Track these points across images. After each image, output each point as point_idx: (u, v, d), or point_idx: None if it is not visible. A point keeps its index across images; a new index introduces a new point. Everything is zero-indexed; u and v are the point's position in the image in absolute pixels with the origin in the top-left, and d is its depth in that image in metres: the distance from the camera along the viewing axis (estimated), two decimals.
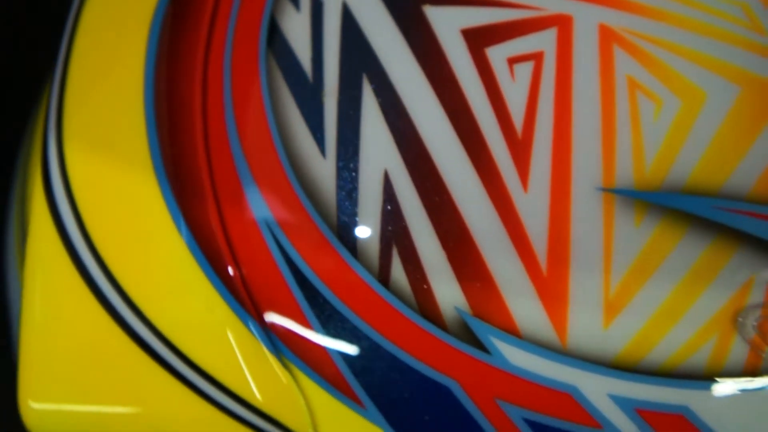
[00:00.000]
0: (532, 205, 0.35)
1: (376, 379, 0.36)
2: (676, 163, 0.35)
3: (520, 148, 0.36)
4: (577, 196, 0.35)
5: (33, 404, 0.37)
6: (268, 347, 0.37)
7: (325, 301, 0.36)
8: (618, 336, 0.35)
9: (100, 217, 0.38)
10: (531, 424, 0.35)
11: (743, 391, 0.36)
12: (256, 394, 0.37)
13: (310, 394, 0.37)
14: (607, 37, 0.36)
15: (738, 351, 0.35)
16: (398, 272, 0.36)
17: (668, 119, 0.36)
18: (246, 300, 0.37)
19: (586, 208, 0.35)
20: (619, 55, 0.36)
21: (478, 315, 0.35)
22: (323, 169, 0.37)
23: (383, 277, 0.36)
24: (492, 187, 0.35)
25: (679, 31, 0.37)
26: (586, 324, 0.35)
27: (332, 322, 0.36)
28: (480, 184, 0.36)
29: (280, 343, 0.37)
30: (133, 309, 0.37)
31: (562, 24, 0.36)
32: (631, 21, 0.36)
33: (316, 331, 0.36)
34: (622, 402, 0.35)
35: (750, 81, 0.36)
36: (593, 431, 0.35)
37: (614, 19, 0.36)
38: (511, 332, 0.35)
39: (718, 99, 0.36)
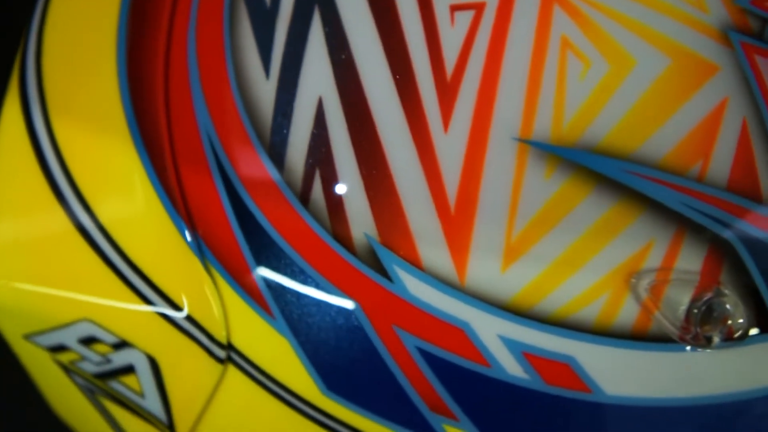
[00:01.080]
0: (450, 146, 0.36)
1: (285, 292, 0.38)
2: (594, 124, 0.36)
3: (448, 91, 0.37)
4: (494, 142, 0.36)
5: None
6: (194, 251, 0.39)
7: (250, 214, 0.38)
8: (514, 280, 0.36)
9: (65, 112, 0.40)
10: (423, 353, 0.37)
11: (629, 349, 0.36)
12: (181, 296, 0.39)
13: (227, 300, 0.39)
14: None
15: (629, 311, 0.36)
16: (318, 194, 0.38)
17: (594, 81, 0.37)
18: (180, 204, 0.39)
19: (500, 155, 0.36)
20: (558, 15, 0.37)
21: (385, 243, 0.37)
22: (265, 89, 0.38)
23: (304, 197, 0.38)
24: (415, 124, 0.37)
25: None
26: (485, 265, 0.36)
27: (254, 235, 0.38)
28: (404, 120, 0.37)
29: (206, 248, 0.39)
30: (80, 198, 0.39)
31: None
32: None
33: (239, 241, 0.38)
34: (510, 344, 0.36)
35: (681, 54, 0.37)
36: (482, 368, 0.37)
37: None
38: (414, 264, 0.37)
39: (647, 68, 0.37)
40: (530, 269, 0.36)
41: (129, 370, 0.41)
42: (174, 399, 0.41)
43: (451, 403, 0.37)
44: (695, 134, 0.36)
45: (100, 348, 0.41)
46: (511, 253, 0.36)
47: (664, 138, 0.36)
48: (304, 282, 0.38)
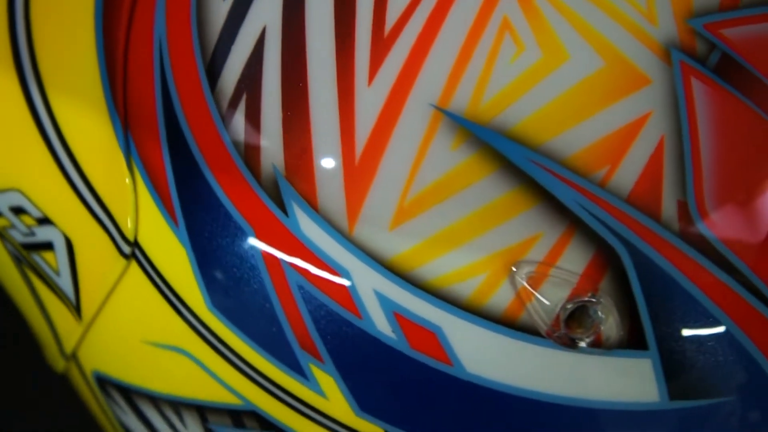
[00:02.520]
0: (370, 99, 0.37)
1: (192, 204, 0.39)
2: (511, 108, 0.36)
3: (381, 46, 0.37)
4: (411, 103, 0.36)
5: None
6: (121, 146, 0.40)
7: (178, 124, 0.39)
8: (399, 241, 0.36)
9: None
10: (303, 291, 0.37)
11: (495, 333, 0.36)
12: (102, 185, 0.40)
13: (141, 200, 0.40)
14: None
15: (503, 296, 0.36)
16: (239, 118, 0.38)
17: (522, 66, 0.36)
18: (120, 101, 0.40)
19: (414, 117, 0.36)
20: None
21: (288, 178, 0.37)
22: (219, 9, 0.39)
23: (227, 118, 0.38)
24: (343, 71, 0.37)
25: None
26: (375, 220, 0.36)
27: (177, 143, 0.39)
28: (335, 65, 0.37)
29: (134, 148, 0.40)
30: (35, 70, 0.41)
31: None
32: None
33: (162, 147, 0.39)
34: (384, 301, 0.37)
35: (617, 59, 0.37)
36: (353, 318, 0.37)
37: None
38: (311, 204, 0.37)
39: (578, 65, 0.37)
40: (417, 234, 0.36)
41: (49, 246, 0.43)
42: (82, 284, 0.42)
43: (319, 345, 0.38)
44: (609, 140, 0.36)
45: (27, 220, 0.42)
46: (402, 214, 0.36)
47: (576, 137, 0.36)
48: (209, 198, 0.38)
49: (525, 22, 0.37)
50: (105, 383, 0.45)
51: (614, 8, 0.37)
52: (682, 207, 0.36)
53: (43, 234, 0.43)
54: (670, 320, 0.36)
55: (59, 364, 0.48)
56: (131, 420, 0.46)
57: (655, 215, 0.36)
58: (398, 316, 0.37)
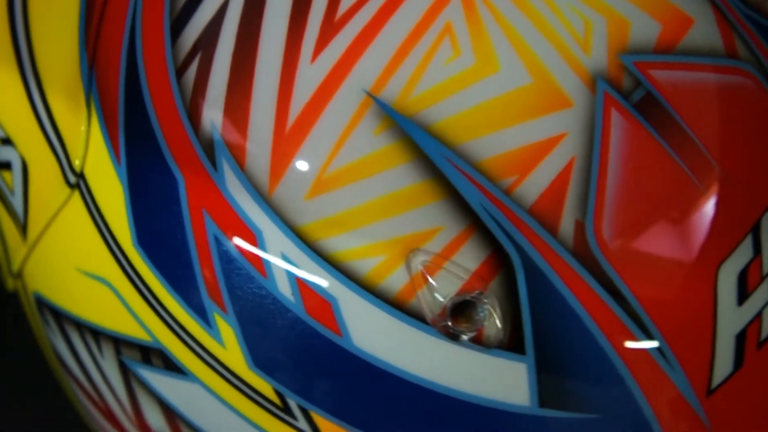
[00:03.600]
0: (310, 75, 0.38)
1: (135, 145, 0.41)
2: (436, 106, 0.38)
3: (330, 28, 0.39)
4: (346, 85, 0.38)
5: None
6: (83, 79, 0.42)
7: (136, 69, 0.41)
8: (312, 210, 0.38)
9: None
10: (218, 242, 0.39)
11: (385, 312, 0.38)
12: (61, 112, 0.42)
13: (93, 133, 0.42)
14: None
15: (397, 279, 0.38)
16: (191, 73, 0.40)
17: (454, 70, 0.38)
18: (92, 36, 0.42)
19: (346, 98, 0.38)
20: (453, 1, 0.39)
21: (223, 135, 0.39)
22: None
23: (181, 71, 0.40)
24: (291, 45, 0.39)
25: (517, 11, 0.39)
26: (294, 187, 0.38)
27: (132, 86, 0.41)
28: (285, 39, 0.39)
29: (95, 82, 0.42)
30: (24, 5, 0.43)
31: None
32: None
33: (120, 85, 0.41)
34: (289, 264, 0.38)
35: (544, 79, 0.38)
36: (258, 275, 0.39)
37: None
38: (239, 163, 0.39)
39: (507, 77, 0.38)
40: (329, 207, 0.38)
41: (7, 166, 0.45)
42: (31, 206, 0.45)
43: (225, 296, 0.39)
44: (521, 152, 0.37)
45: None
46: (319, 186, 0.38)
47: (491, 143, 0.37)
48: (151, 142, 0.40)
49: (466, 29, 0.38)
50: (42, 305, 0.47)
51: (552, 31, 0.38)
52: (579, 227, 0.37)
53: (4, 154, 0.45)
54: (551, 331, 0.38)
55: (9, 282, 0.50)
56: (59, 343, 0.48)
57: (552, 230, 0.37)
58: (299, 281, 0.38)
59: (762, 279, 0.39)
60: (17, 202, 0.45)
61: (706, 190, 0.39)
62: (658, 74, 0.39)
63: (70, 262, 0.44)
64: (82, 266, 0.43)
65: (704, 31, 0.40)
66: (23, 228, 0.45)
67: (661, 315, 0.38)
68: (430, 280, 0.37)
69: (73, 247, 0.44)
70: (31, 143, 0.44)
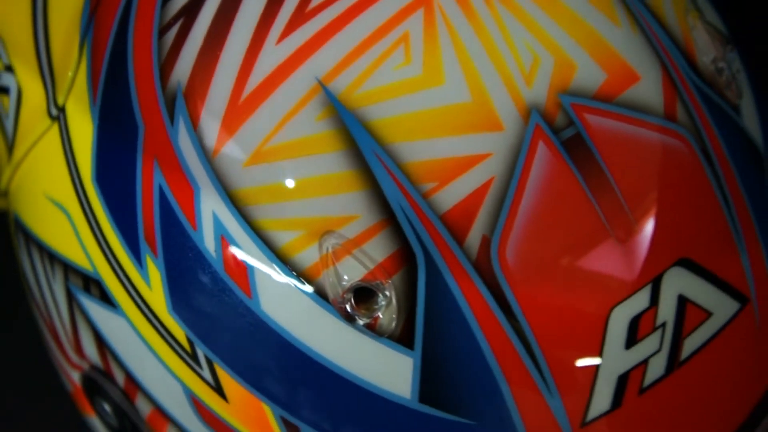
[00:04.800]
0: (272, 54, 0.40)
1: (110, 89, 0.43)
2: (377, 105, 0.39)
3: (300, 17, 0.41)
4: (301, 71, 0.40)
5: None
6: (82, 22, 0.44)
7: (126, 23, 0.43)
8: (247, 177, 0.40)
9: None
10: (161, 191, 0.41)
11: (292, 283, 0.40)
12: (58, 49, 0.45)
13: (80, 74, 0.44)
14: None
15: (309, 255, 0.39)
16: (172, 34, 0.42)
17: (401, 76, 0.40)
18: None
19: (298, 82, 0.40)
20: (417, 14, 0.40)
21: (185, 95, 0.41)
22: None
23: (163, 31, 0.42)
24: (261, 27, 0.41)
25: (473, 34, 0.40)
26: (236, 153, 0.40)
27: (120, 36, 0.43)
28: (257, 19, 0.41)
29: (92, 28, 0.44)
30: None
31: None
32: None
33: (111, 34, 0.44)
34: (217, 223, 0.40)
35: (483, 101, 0.39)
36: (189, 228, 0.41)
37: None
38: (193, 122, 0.41)
39: (449, 92, 0.39)
40: (262, 177, 0.40)
41: (6, 91, 0.48)
42: (19, 130, 0.47)
43: (158, 241, 0.41)
44: (445, 162, 0.39)
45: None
46: (258, 156, 0.40)
47: (419, 149, 0.39)
48: (123, 89, 0.42)
49: (421, 41, 0.40)
50: (18, 226, 0.50)
51: (501, 59, 0.40)
52: (485, 242, 0.39)
53: (5, 80, 0.48)
54: (441, 333, 0.39)
55: (1, 201, 0.52)
56: (26, 264, 0.50)
57: (459, 239, 0.38)
58: (223, 239, 0.40)
59: (653, 329, 0.40)
60: (9, 124, 0.48)
61: (614, 234, 0.39)
62: (591, 118, 0.40)
63: (40, 188, 0.46)
64: (49, 193, 0.46)
65: (648, 90, 0.41)
66: (10, 149, 0.48)
67: (548, 341, 0.39)
68: (338, 262, 0.39)
69: (45, 174, 0.46)
70: (28, 74, 0.46)
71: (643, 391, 0.40)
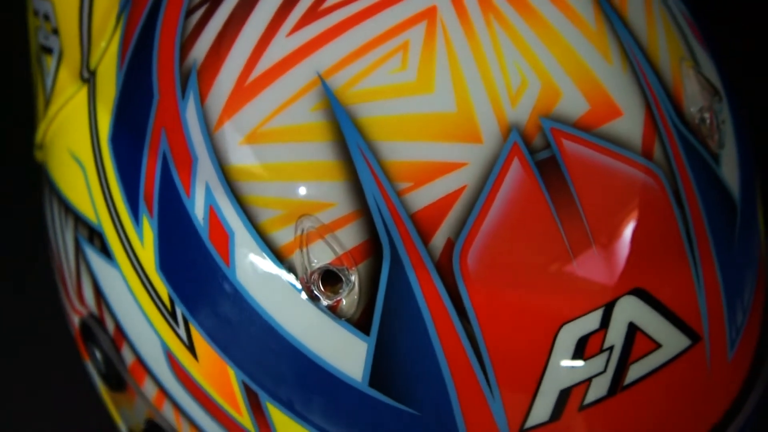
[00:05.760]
0: (282, 45, 0.42)
1: (136, 57, 0.45)
2: (367, 104, 0.41)
3: (313, 15, 0.43)
4: (305, 64, 0.42)
5: None
6: (121, 4, 0.47)
7: (159, 3, 0.46)
8: (241, 154, 0.42)
9: None
10: (164, 159, 0.43)
11: (267, 259, 0.41)
12: (98, 19, 0.48)
13: (113, 43, 0.47)
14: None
15: (286, 234, 0.41)
16: (197, 15, 0.44)
17: (395, 80, 0.41)
18: None
19: (300, 74, 0.41)
20: (419, 25, 0.42)
21: (199, 72, 0.43)
22: None
23: (190, 12, 0.45)
24: (277, 18, 0.43)
25: (468, 51, 0.42)
26: (234, 132, 0.42)
27: (152, 15, 0.46)
28: (275, 11, 0.43)
29: (128, 8, 0.47)
30: None
31: None
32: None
33: (144, 11, 0.46)
34: (208, 193, 0.42)
35: (467, 113, 0.40)
36: (183, 194, 0.43)
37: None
38: (201, 98, 0.43)
39: (436, 101, 0.41)
40: (255, 156, 0.42)
41: (51, 51, 0.50)
42: (55, 87, 0.50)
43: (155, 203, 0.43)
44: (423, 165, 0.40)
45: (48, 27, 0.50)
46: (253, 137, 0.42)
47: (400, 150, 0.40)
48: (147, 59, 0.45)
49: (419, 51, 0.41)
50: (46, 178, 0.53)
51: (490, 78, 0.41)
52: (450, 244, 0.40)
53: (51, 41, 0.50)
54: (396, 323, 0.40)
55: (38, 154, 0.55)
56: (48, 212, 0.53)
57: (425, 239, 0.40)
58: (212, 209, 0.42)
59: (600, 351, 0.41)
60: (48, 81, 0.51)
61: (573, 256, 0.41)
62: (568, 144, 0.41)
63: (65, 143, 0.49)
64: (72, 148, 0.48)
65: (628, 126, 0.42)
66: (46, 105, 0.51)
67: (496, 346, 0.40)
68: (310, 244, 0.40)
69: (71, 131, 0.49)
70: (69, 38, 0.49)
71: (583, 408, 0.41)
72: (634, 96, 0.42)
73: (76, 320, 0.52)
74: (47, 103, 0.50)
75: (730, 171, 0.45)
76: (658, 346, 0.42)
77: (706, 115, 0.44)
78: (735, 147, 0.46)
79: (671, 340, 0.42)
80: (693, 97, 0.44)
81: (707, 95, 0.44)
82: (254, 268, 0.41)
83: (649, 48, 0.44)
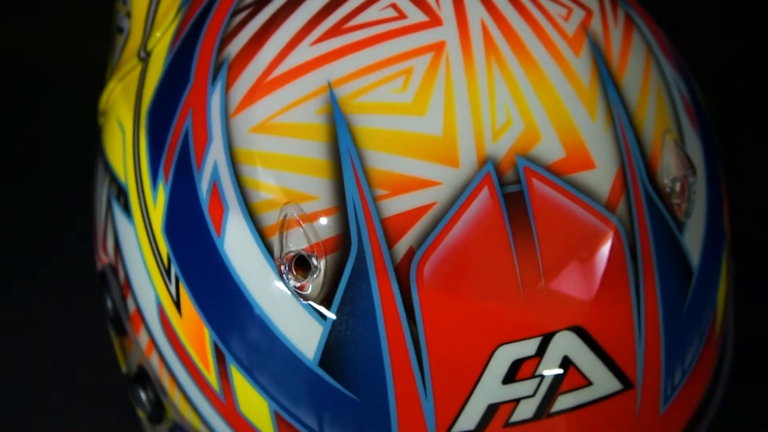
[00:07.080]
0: (304, 52, 0.44)
1: (183, 48, 0.49)
2: (366, 115, 0.43)
3: (336, 31, 0.45)
4: (320, 71, 0.44)
5: None
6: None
7: (213, 2, 0.50)
8: (248, 141, 0.45)
9: None
10: (185, 134, 0.47)
11: (251, 235, 0.44)
12: (163, 7, 0.52)
13: (170, 31, 0.51)
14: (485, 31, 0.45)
15: (271, 216, 0.44)
16: (241, 15, 0.48)
17: (392, 99, 0.44)
18: None
19: (313, 79, 0.44)
20: (426, 55, 0.45)
21: (230, 66, 0.47)
22: None
23: (236, 12, 0.48)
24: (306, 28, 0.46)
25: (464, 85, 0.44)
26: (246, 120, 0.45)
27: (206, 10, 0.50)
28: (305, 22, 0.46)
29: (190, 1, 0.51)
30: None
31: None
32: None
33: (201, 6, 0.50)
34: (214, 171, 0.45)
35: (449, 138, 0.43)
36: (195, 169, 0.46)
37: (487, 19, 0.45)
38: (227, 88, 0.46)
39: (425, 123, 0.43)
40: (260, 144, 0.45)
41: (122, 31, 0.55)
42: (121, 60, 0.55)
43: (171, 172, 0.47)
44: (401, 177, 0.42)
45: (123, 9, 0.55)
46: (262, 127, 0.45)
47: (384, 160, 0.43)
48: (191, 47, 0.49)
49: (420, 78, 0.44)
50: (99, 142, 0.57)
51: (479, 112, 0.44)
52: (410, 252, 0.42)
53: (125, 23, 0.55)
54: (351, 313, 0.43)
55: (100, 119, 0.60)
56: (97, 171, 0.57)
57: (390, 243, 0.43)
58: (215, 184, 0.45)
59: (532, 376, 0.43)
60: (115, 56, 0.55)
61: (522, 286, 0.43)
62: (537, 184, 0.43)
63: (116, 112, 0.53)
64: (119, 117, 0.52)
65: (598, 179, 0.44)
66: (111, 77, 0.55)
67: (436, 351, 0.42)
68: (289, 230, 0.43)
69: (122, 102, 0.53)
70: (138, 21, 0.53)
71: (508, 425, 0.43)
72: (610, 153, 0.44)
73: (99, 268, 0.55)
74: (112, 75, 0.55)
75: (693, 240, 0.46)
76: (589, 383, 0.43)
77: (678, 185, 0.46)
78: (704, 219, 0.47)
79: (602, 381, 0.43)
80: (668, 167, 0.46)
81: (682, 167, 0.46)
82: (239, 242, 0.44)
83: (636, 114, 0.46)
